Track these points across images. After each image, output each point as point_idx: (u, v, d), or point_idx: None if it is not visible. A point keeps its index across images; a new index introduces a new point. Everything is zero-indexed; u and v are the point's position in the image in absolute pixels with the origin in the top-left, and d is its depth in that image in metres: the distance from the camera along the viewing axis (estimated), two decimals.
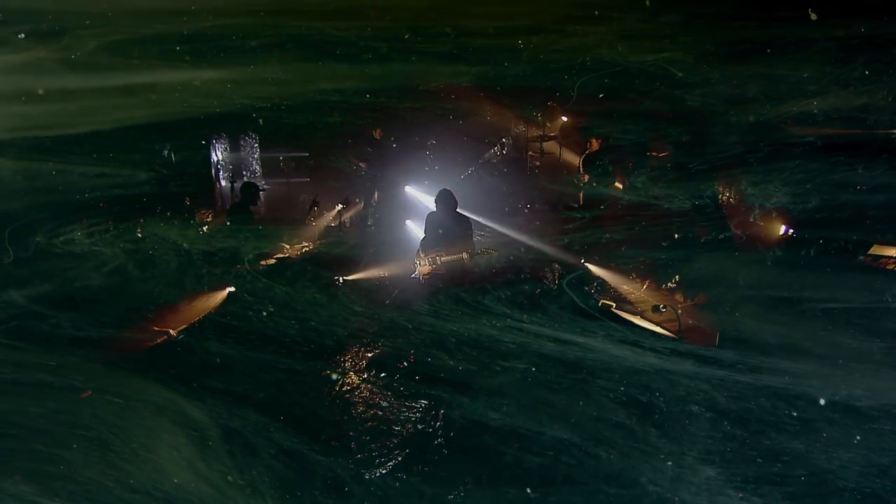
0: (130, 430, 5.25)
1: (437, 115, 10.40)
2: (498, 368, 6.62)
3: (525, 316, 7.43)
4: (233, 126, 10.38)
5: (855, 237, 7.12)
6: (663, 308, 6.47)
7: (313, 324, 7.49)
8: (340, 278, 8.47)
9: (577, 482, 5.03)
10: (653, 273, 7.97)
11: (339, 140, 10.85)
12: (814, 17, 6.69)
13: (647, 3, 7.37)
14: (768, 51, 7.40)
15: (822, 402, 5.78)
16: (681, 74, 7.96)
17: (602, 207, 9.15)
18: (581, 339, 6.93)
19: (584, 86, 8.92)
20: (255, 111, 9.71)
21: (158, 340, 6.96)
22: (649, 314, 6.75)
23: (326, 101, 9.26)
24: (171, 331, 7.03)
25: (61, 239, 7.50)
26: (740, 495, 4.90)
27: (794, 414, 5.76)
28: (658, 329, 6.46)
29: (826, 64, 7.30)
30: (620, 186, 9.34)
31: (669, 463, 5.24)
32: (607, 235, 8.71)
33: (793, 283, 7.24)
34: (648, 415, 5.90)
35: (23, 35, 6.70)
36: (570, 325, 7.26)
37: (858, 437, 5.34)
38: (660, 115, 8.90)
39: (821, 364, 6.23)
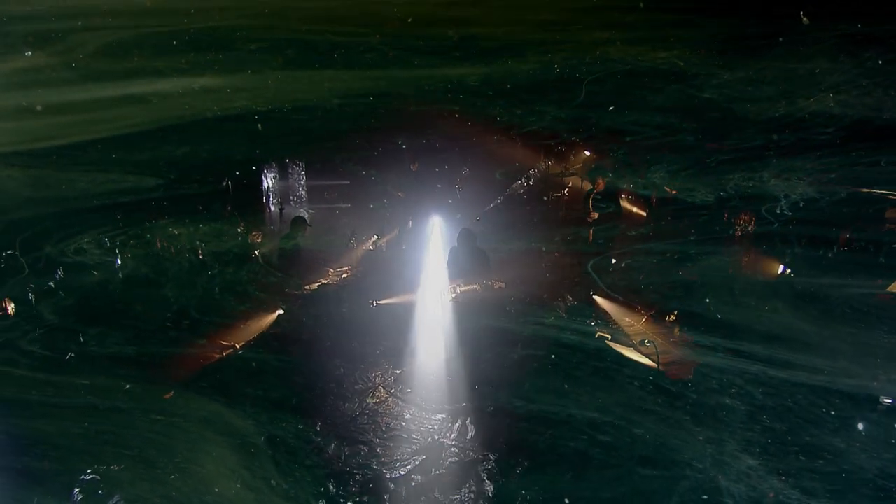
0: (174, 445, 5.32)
1: (443, 116, 10.54)
2: None
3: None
4: (233, 129, 10.42)
5: (882, 229, 7.38)
6: (648, 342, 7.46)
7: None
8: (374, 302, 9.57)
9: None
10: (672, 270, 8.26)
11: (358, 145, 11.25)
12: (805, 20, 6.88)
13: (641, 4, 7.52)
14: (780, 41, 7.58)
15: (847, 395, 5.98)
16: (682, 63, 8.11)
17: (624, 204, 9.40)
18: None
19: (592, 84, 9.06)
20: (255, 114, 9.71)
21: (215, 356, 7.53)
22: (639, 346, 7.68)
23: (329, 103, 9.31)
24: (235, 345, 7.76)
25: (72, 248, 7.47)
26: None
27: (810, 405, 5.99)
28: (645, 360, 7.35)
29: (838, 57, 7.50)
30: (645, 214, 10.14)
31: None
32: (633, 232, 8.94)
33: (819, 277, 7.50)
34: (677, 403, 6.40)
35: (30, 53, 6.66)
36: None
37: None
38: (674, 111, 9.09)
39: (847, 360, 6.45)
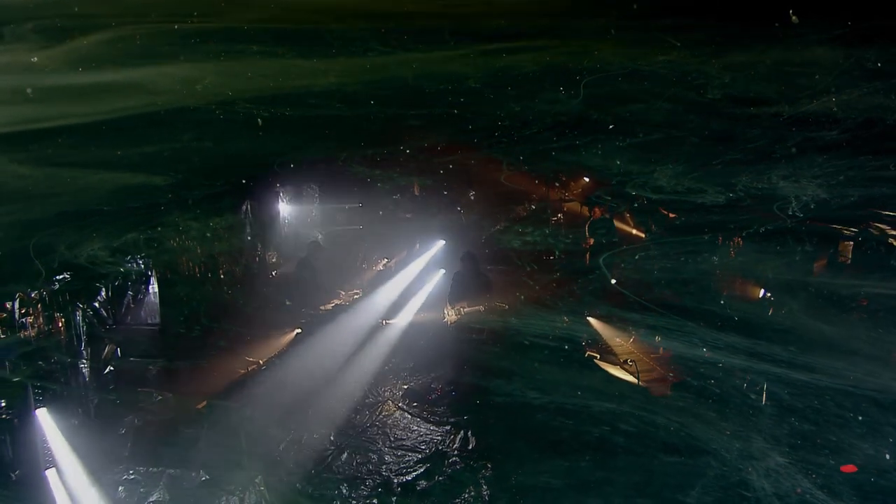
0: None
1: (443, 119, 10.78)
2: None
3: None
4: (234, 127, 10.63)
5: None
6: (630, 362, 7.99)
7: None
8: (384, 321, 10.17)
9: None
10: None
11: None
12: (795, 19, 7.03)
13: (635, 6, 7.71)
14: (780, 43, 7.73)
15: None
16: (679, 43, 8.23)
17: (636, 205, 9.56)
18: None
19: (591, 84, 9.25)
20: (255, 114, 9.86)
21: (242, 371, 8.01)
22: (623, 365, 8.25)
23: (331, 106, 9.49)
24: (259, 361, 8.26)
25: (85, 254, 7.55)
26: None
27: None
28: (630, 377, 7.85)
29: (839, 59, 7.65)
30: (644, 235, 10.54)
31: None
32: (646, 233, 9.08)
33: (832, 276, 7.60)
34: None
35: (35, 58, 6.79)
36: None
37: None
38: (678, 113, 9.27)
39: (863, 360, 6.48)
